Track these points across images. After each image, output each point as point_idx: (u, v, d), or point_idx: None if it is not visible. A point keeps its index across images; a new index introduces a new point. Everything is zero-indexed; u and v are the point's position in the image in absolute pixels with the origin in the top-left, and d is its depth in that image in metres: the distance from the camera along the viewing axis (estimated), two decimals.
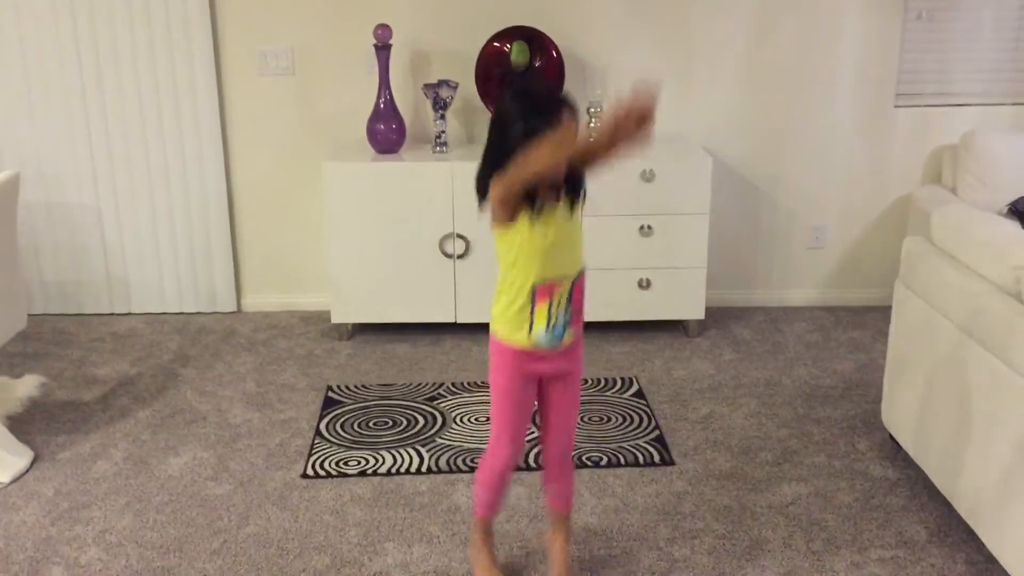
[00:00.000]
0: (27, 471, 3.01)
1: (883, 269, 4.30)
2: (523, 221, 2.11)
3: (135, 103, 4.08)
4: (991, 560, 2.49)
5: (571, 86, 4.02)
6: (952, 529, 2.67)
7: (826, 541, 2.64)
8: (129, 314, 4.34)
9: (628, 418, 3.34)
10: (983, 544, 2.46)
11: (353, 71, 4.09)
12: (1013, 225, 2.66)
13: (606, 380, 3.63)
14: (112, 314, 4.34)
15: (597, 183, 4.00)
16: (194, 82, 4.05)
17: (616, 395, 3.52)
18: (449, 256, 3.90)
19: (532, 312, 2.17)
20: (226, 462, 3.07)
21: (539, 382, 2.29)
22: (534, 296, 2.16)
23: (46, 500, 2.86)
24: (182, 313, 4.35)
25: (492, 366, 2.28)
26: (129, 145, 4.13)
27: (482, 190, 2.16)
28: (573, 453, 2.99)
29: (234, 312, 4.37)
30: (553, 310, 2.17)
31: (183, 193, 4.20)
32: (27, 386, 3.54)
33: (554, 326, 2.18)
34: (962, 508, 2.54)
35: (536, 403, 2.33)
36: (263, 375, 3.72)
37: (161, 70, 4.04)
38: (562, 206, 2.15)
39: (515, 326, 2.19)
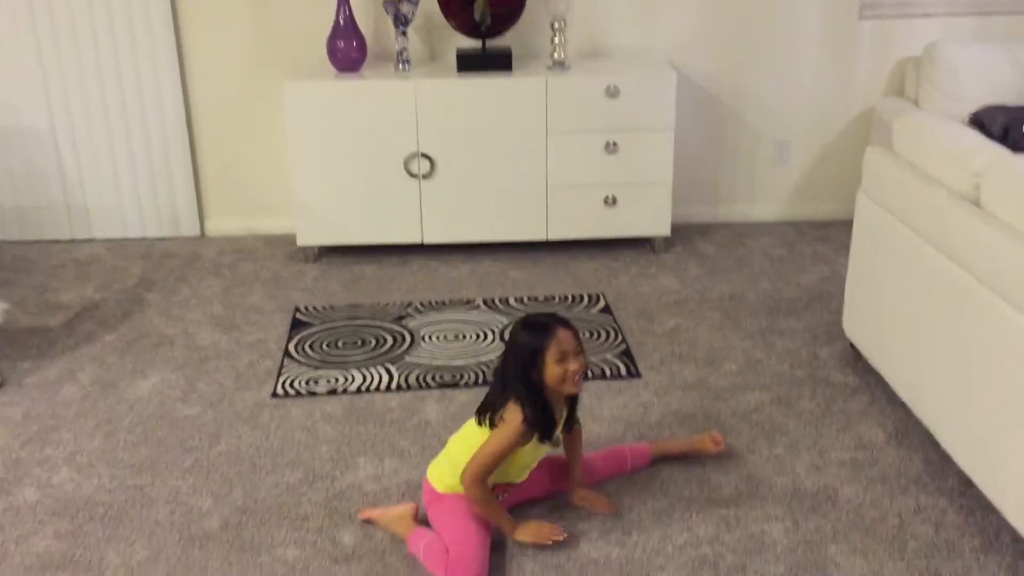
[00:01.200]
0: None
1: (847, 183, 4.33)
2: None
3: (87, 24, 3.96)
4: (947, 459, 2.57)
5: (532, 3, 3.95)
6: (910, 431, 2.75)
7: (788, 446, 2.71)
8: (91, 240, 4.29)
9: (595, 333, 3.37)
10: (939, 444, 2.54)
11: None
12: (973, 132, 2.68)
13: (573, 297, 3.66)
14: (73, 240, 4.28)
15: (561, 99, 3.95)
16: (147, 1, 3.94)
17: (584, 311, 3.55)
18: (414, 176, 3.87)
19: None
20: (195, 383, 3.08)
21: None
22: (494, 489, 2.32)
23: (15, 424, 2.86)
24: (144, 238, 4.31)
25: (444, 509, 2.31)
26: (83, 68, 4.03)
27: (492, 414, 2.27)
28: None
29: (198, 237, 4.33)
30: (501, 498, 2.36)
31: (140, 116, 4.12)
32: None
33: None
34: (919, 411, 2.61)
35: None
36: (229, 298, 3.70)
37: None
38: (552, 437, 2.31)
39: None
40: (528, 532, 2.28)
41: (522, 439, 2.22)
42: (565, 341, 2.20)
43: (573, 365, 2.20)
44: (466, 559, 2.17)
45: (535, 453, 2.33)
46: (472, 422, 2.33)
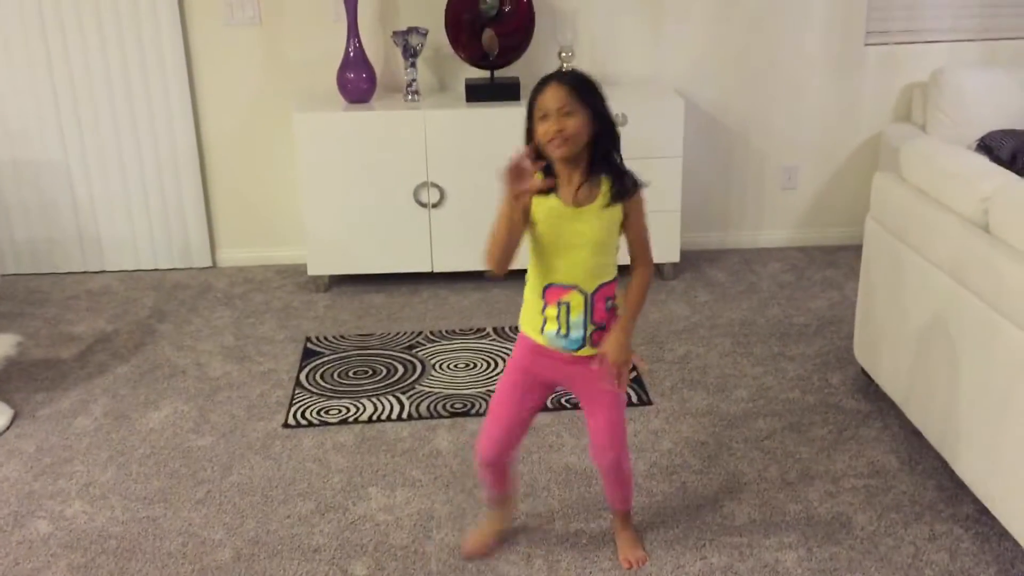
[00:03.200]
0: (7, 428, 3.01)
1: (855, 208, 4.34)
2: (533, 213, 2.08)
3: (100, 56, 4.01)
4: (961, 486, 2.55)
5: (541, 30, 3.99)
6: (923, 457, 2.74)
7: (800, 472, 2.70)
8: (103, 272, 4.31)
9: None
10: (953, 471, 2.52)
11: (320, 19, 4.04)
12: (981, 158, 2.69)
13: None
14: (86, 272, 4.31)
15: None
16: (159, 34, 3.99)
17: None
18: (424, 205, 3.89)
19: (544, 312, 2.15)
20: (207, 414, 3.09)
21: (574, 391, 2.30)
22: (544, 296, 2.14)
23: (28, 456, 2.87)
24: (156, 269, 4.33)
25: (512, 356, 2.28)
26: (95, 100, 4.07)
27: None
28: (552, 397, 3.04)
29: (209, 267, 4.36)
30: (563, 317, 2.12)
31: (152, 148, 4.16)
32: (3, 345, 3.51)
33: (566, 334, 2.14)
34: (932, 437, 2.60)
35: (531, 413, 2.29)
36: (241, 328, 3.72)
37: (126, 22, 3.97)
38: (586, 204, 2.08)
39: (530, 322, 2.20)
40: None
41: (507, 188, 2.01)
42: (549, 99, 2.01)
43: (550, 126, 2.00)
44: (482, 432, 2.25)
45: (564, 226, 2.07)
46: None
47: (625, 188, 2.11)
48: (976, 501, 2.48)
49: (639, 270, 2.20)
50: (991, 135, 3.68)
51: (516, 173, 1.99)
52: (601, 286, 2.13)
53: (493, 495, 2.39)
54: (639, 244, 2.18)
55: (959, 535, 2.42)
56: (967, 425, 2.40)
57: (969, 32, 4.23)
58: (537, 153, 2.06)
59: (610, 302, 2.16)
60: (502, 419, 2.26)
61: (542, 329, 2.16)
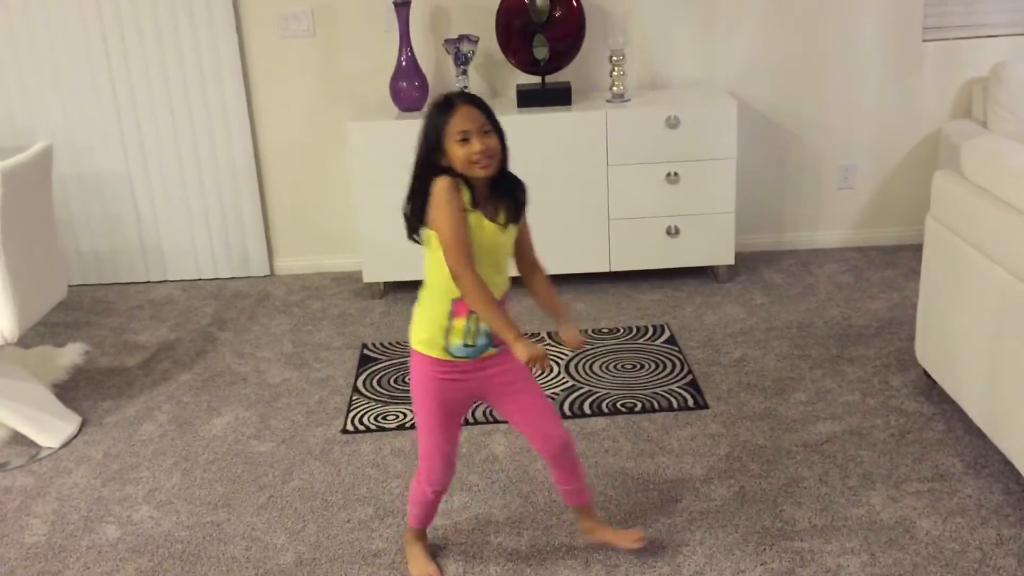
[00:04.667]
0: (76, 436, 3.10)
1: (914, 207, 4.26)
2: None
3: (159, 72, 4.11)
4: None
5: (591, 34, 4.00)
6: (988, 461, 2.68)
7: (862, 476, 2.66)
8: (165, 281, 4.41)
9: (661, 364, 3.36)
10: (1020, 475, 2.47)
11: (373, 30, 4.09)
12: None
13: (637, 328, 3.66)
14: (148, 282, 4.41)
15: (622, 131, 3.99)
16: (217, 48, 4.08)
17: (648, 342, 3.54)
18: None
19: (449, 325, 2.10)
20: (267, 420, 3.14)
21: (491, 399, 2.24)
22: (454, 309, 2.10)
23: (96, 463, 2.94)
24: (216, 279, 4.42)
25: (412, 383, 2.21)
26: (156, 114, 4.17)
27: (413, 218, 2.10)
28: (608, 401, 3.03)
29: (267, 276, 4.43)
30: (471, 327, 2.10)
31: (211, 160, 4.24)
32: (71, 354, 3.64)
33: (472, 344, 2.12)
34: (998, 439, 2.55)
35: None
36: (299, 336, 3.77)
37: (183, 37, 4.06)
38: (495, 216, 2.08)
39: (430, 340, 2.14)
40: (527, 349, 1.99)
41: (456, 198, 2.00)
42: (467, 120, 2.01)
43: (476, 146, 1.99)
44: (425, 461, 2.23)
45: (495, 242, 2.08)
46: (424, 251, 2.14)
47: (524, 201, 2.15)
48: None
49: (539, 269, 2.24)
50: None
51: (540, 360, 2.02)
52: (507, 291, 2.17)
53: (428, 519, 2.39)
54: (530, 246, 2.23)
55: None
56: None
57: None
58: (452, 172, 2.03)
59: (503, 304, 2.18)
60: (446, 452, 2.24)
61: (445, 345, 2.12)
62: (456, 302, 2.09)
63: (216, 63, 4.10)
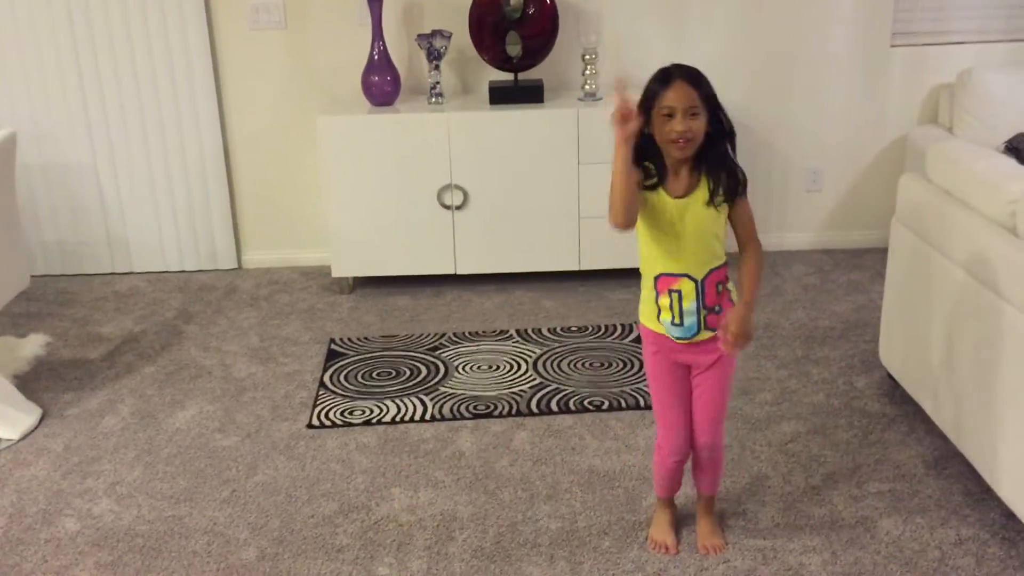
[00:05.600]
0: (36, 428, 3.05)
1: (881, 210, 4.31)
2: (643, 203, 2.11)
3: (128, 61, 4.06)
4: (987, 491, 2.53)
5: (564, 32, 4.00)
6: (949, 462, 2.71)
7: (825, 476, 2.68)
8: (130, 273, 4.36)
9: (628, 363, 3.37)
10: (980, 476, 2.50)
11: (345, 23, 4.07)
12: (1008, 160, 2.66)
13: (606, 327, 3.66)
14: (113, 273, 4.36)
15: (593, 129, 3.97)
16: (186, 38, 4.03)
17: (616, 341, 3.55)
18: (448, 207, 3.91)
19: (657, 302, 2.18)
20: (232, 414, 3.11)
21: (691, 375, 2.28)
22: (656, 286, 2.17)
23: (56, 455, 2.90)
24: (183, 271, 4.37)
25: (644, 356, 2.31)
26: (123, 104, 4.12)
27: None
28: (575, 399, 3.03)
29: (235, 269, 4.39)
30: (675, 306, 2.15)
31: (179, 151, 4.20)
32: (32, 345, 3.58)
33: (680, 323, 2.17)
34: (959, 441, 2.58)
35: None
36: (266, 330, 3.75)
37: (153, 27, 4.01)
38: (693, 194, 2.10)
39: (647, 313, 2.23)
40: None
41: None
42: (678, 98, 2.03)
43: (677, 126, 2.02)
44: (662, 431, 2.30)
45: (667, 213, 2.09)
46: None
47: (736, 186, 2.12)
48: (1003, 506, 2.46)
49: (750, 251, 2.20)
50: (1018, 137, 3.64)
51: (622, 116, 1.96)
52: (711, 271, 2.15)
53: (673, 488, 2.43)
54: (747, 231, 2.20)
55: (986, 540, 2.40)
56: (994, 429, 2.37)
57: (996, 33, 4.19)
58: (640, 149, 2.06)
59: (720, 286, 2.18)
60: (678, 421, 2.29)
61: (658, 317, 2.20)
62: (658, 279, 2.15)
63: (185, 53, 4.06)
